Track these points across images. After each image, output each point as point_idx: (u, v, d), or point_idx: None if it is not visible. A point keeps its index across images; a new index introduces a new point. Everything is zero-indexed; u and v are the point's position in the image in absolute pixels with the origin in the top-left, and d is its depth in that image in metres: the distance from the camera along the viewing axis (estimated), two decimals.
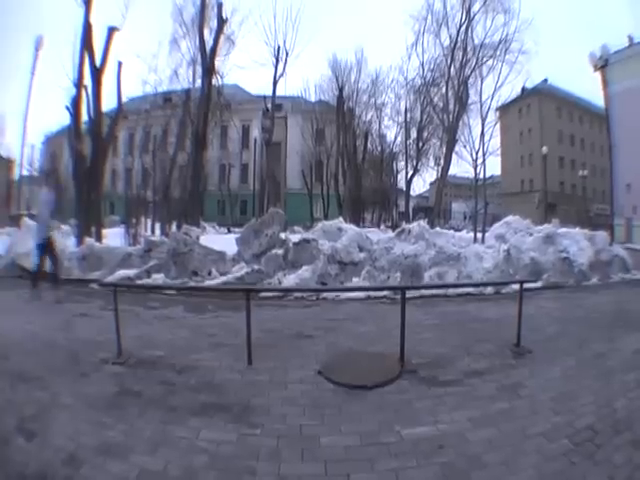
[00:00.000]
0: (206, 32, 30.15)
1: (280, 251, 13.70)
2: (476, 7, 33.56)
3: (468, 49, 33.50)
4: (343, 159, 50.63)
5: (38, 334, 7.63)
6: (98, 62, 21.73)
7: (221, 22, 29.94)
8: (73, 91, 21.63)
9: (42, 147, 59.27)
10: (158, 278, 12.70)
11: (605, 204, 54.67)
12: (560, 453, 4.09)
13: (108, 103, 24.99)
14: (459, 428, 4.60)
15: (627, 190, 44.61)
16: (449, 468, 3.90)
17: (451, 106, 34.37)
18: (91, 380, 5.71)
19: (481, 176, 32.50)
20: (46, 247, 11.65)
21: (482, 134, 31.10)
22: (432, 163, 50.11)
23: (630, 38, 49.14)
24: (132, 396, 5.25)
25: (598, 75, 44.76)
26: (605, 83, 43.72)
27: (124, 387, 5.49)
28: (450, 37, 34.58)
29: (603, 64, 44.34)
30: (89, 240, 16.15)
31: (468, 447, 4.24)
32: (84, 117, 22.24)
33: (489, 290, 12.14)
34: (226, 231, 36.56)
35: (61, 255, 12.81)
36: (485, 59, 32.88)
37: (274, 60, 41.75)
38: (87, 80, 21.69)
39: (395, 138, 54.10)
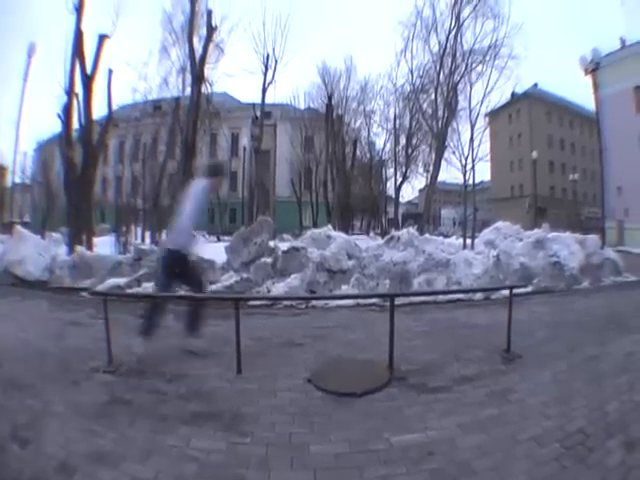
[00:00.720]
0: (195, 40, 30.28)
1: (269, 259, 13.70)
2: (466, 13, 33.67)
3: (457, 55, 33.61)
4: (332, 166, 50.84)
5: (30, 342, 7.64)
6: (89, 69, 21.86)
7: (210, 30, 30.03)
8: (64, 98, 21.73)
9: (34, 154, 59.28)
10: (148, 287, 12.68)
11: (596, 207, 54.95)
12: (551, 457, 4.07)
13: (98, 111, 25.07)
14: (449, 434, 4.60)
15: (618, 193, 44.86)
16: (439, 475, 3.89)
17: (440, 112, 34.46)
18: (82, 389, 5.69)
19: (470, 182, 32.66)
20: (179, 263, 7.50)
21: (471, 140, 31.27)
22: (421, 170, 50.32)
23: (622, 40, 49.47)
24: (123, 405, 5.24)
25: (589, 79, 45.02)
26: (596, 87, 43.97)
27: (115, 396, 5.47)
28: (439, 43, 34.66)
29: (594, 67, 44.60)
30: (80, 248, 16.14)
31: (458, 453, 4.23)
32: (75, 125, 22.32)
33: (479, 296, 12.15)
34: (215, 239, 36.65)
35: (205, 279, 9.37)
36: (474, 65, 33.03)
37: (263, 68, 41.96)
38: (78, 88, 21.78)
39: (384, 145, 54.43)
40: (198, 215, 7.66)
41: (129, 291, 12.06)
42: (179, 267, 7.50)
